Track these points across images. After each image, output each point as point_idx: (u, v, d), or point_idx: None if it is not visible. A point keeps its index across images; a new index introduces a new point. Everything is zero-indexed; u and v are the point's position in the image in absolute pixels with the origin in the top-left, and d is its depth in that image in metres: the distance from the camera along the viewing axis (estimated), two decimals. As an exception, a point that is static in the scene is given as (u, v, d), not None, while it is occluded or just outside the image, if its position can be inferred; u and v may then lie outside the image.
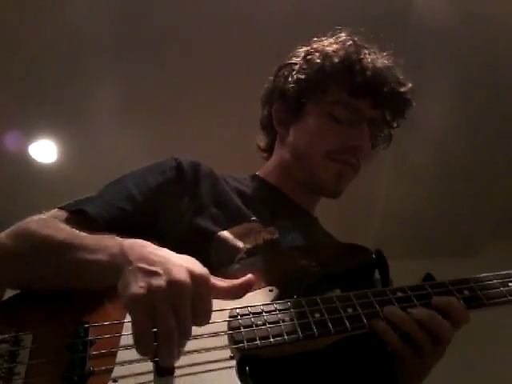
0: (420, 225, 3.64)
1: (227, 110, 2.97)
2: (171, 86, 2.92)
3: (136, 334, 0.65)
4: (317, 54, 1.15)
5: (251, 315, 0.78)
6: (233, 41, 2.69)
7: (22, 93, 2.97)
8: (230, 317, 0.78)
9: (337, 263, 0.93)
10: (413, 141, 3.06)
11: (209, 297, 0.70)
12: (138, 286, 0.66)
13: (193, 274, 0.68)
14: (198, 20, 2.64)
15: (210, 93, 2.91)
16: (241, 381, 0.71)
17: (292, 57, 1.21)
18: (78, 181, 2.56)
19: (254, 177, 1.22)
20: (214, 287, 0.75)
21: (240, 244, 0.97)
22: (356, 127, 1.11)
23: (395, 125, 1.21)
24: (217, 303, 0.80)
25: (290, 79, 1.16)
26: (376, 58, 1.13)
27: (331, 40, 1.17)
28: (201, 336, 0.74)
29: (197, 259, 0.93)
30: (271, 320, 0.78)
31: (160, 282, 0.66)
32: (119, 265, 0.72)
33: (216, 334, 0.75)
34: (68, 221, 0.92)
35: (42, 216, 0.93)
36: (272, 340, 0.75)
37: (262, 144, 1.29)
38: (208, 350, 0.73)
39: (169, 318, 0.64)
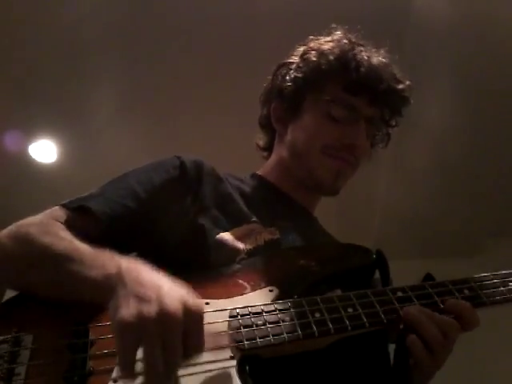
0: (420, 225, 3.64)
1: (227, 109, 2.96)
2: (171, 86, 2.92)
3: (119, 358, 0.64)
4: (313, 52, 1.15)
5: (251, 315, 0.78)
6: (233, 40, 2.69)
7: (22, 93, 2.97)
8: (230, 317, 0.78)
9: (337, 263, 0.94)
10: (412, 141, 3.07)
11: (200, 331, 0.68)
12: (128, 312, 0.65)
13: (186, 306, 0.67)
14: (197, 20, 2.64)
15: (210, 92, 2.91)
16: (241, 381, 0.71)
17: (290, 56, 1.21)
18: (78, 181, 2.55)
19: (255, 176, 1.22)
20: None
21: (241, 245, 0.97)
22: (353, 125, 1.11)
23: (393, 123, 1.21)
24: (217, 303, 0.80)
25: (287, 78, 1.17)
26: (372, 55, 1.13)
27: (328, 38, 1.18)
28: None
29: (197, 259, 0.94)
30: (271, 320, 0.78)
31: (151, 310, 0.65)
32: (113, 285, 0.71)
33: (216, 334, 0.75)
34: (70, 220, 0.91)
35: (43, 216, 0.92)
36: (272, 339, 0.75)
37: (262, 143, 1.29)
38: (208, 350, 0.73)
39: (155, 349, 0.63)
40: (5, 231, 0.89)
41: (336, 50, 1.12)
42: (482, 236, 3.77)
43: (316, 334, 0.77)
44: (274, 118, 1.21)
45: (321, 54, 1.13)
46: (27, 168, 3.47)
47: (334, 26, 1.21)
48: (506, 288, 0.88)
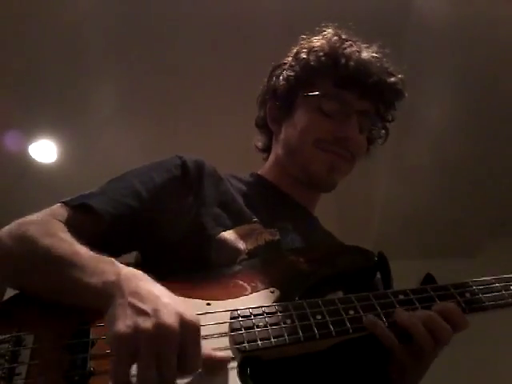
0: (420, 225, 3.64)
1: (227, 109, 2.97)
2: (171, 86, 2.92)
3: (112, 370, 0.63)
4: (304, 50, 1.16)
5: (252, 316, 0.78)
6: (233, 41, 2.69)
7: (22, 93, 2.97)
8: (231, 318, 0.78)
9: (339, 265, 0.93)
10: (412, 141, 3.07)
11: (197, 346, 0.67)
12: (124, 324, 0.64)
13: (183, 320, 0.66)
14: (197, 20, 2.64)
15: (210, 92, 2.91)
16: (242, 382, 0.71)
17: (286, 57, 1.22)
18: (78, 181, 2.55)
19: (255, 176, 1.22)
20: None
21: (241, 245, 0.97)
22: (345, 119, 1.11)
23: (389, 117, 1.21)
24: (218, 304, 0.80)
25: (280, 78, 1.18)
26: (362, 50, 1.13)
27: (319, 36, 1.19)
28: (202, 337, 0.73)
29: (199, 258, 0.94)
30: (272, 322, 0.77)
31: (147, 323, 0.64)
32: (111, 294, 0.71)
33: (217, 336, 0.75)
34: (70, 219, 0.91)
35: (44, 214, 0.92)
36: (273, 341, 0.75)
37: (260, 144, 1.29)
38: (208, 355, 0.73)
39: (149, 363, 0.62)
40: (5, 229, 0.89)
41: (326, 47, 1.13)
42: (482, 236, 3.77)
43: (317, 336, 0.77)
44: (269, 118, 1.22)
45: (311, 51, 1.15)
46: (27, 168, 3.47)
47: (323, 24, 1.21)
48: (508, 292, 0.87)
